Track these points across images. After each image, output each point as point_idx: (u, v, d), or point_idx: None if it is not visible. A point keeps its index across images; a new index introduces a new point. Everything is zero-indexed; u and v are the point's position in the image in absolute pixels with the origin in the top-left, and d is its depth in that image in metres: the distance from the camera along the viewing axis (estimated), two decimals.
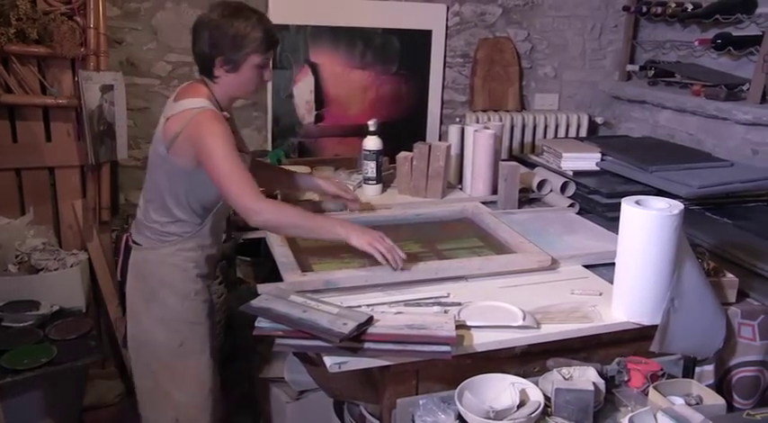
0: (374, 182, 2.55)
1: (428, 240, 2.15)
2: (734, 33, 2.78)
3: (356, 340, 1.43)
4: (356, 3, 3.09)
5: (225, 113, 1.84)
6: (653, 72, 3.23)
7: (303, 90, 3.09)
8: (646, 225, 1.56)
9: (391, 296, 1.72)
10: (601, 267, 1.94)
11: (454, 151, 2.64)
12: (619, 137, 3.32)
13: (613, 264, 1.69)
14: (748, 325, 1.78)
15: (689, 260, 1.62)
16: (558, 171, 2.67)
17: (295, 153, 3.13)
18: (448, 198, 2.54)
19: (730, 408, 1.67)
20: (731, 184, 2.38)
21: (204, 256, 1.93)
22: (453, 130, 2.70)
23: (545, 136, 3.37)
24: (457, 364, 1.48)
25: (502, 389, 1.39)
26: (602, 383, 1.41)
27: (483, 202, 2.46)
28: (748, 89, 2.69)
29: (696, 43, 2.92)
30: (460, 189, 2.66)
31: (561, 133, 3.38)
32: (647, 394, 1.41)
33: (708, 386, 1.57)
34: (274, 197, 2.29)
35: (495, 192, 2.51)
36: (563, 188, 2.58)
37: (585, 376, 1.42)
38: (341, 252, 1.96)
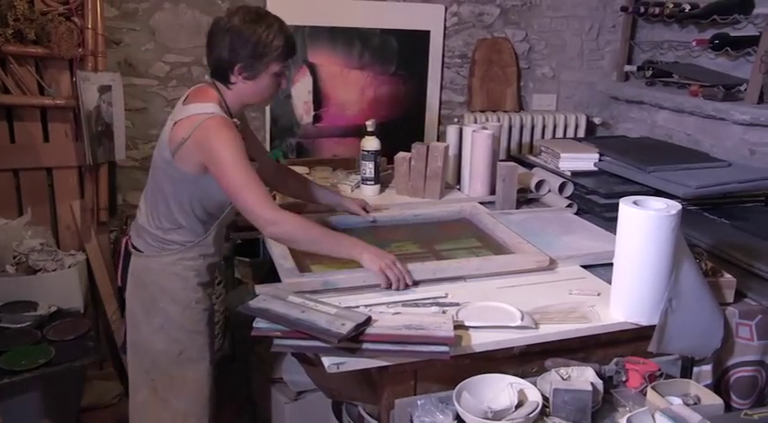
0: (372, 182, 2.55)
1: (426, 241, 2.15)
2: (731, 34, 2.79)
3: (354, 341, 1.42)
4: (354, 3, 3.09)
5: (235, 120, 1.80)
6: (651, 72, 3.23)
7: (301, 90, 3.09)
8: (644, 225, 1.56)
9: (389, 297, 1.71)
10: (599, 268, 1.94)
11: (452, 152, 2.64)
12: (617, 137, 3.32)
13: (611, 264, 1.69)
14: (746, 325, 1.78)
15: (687, 260, 1.62)
16: (556, 171, 2.67)
17: (293, 153, 3.13)
18: (446, 198, 2.54)
19: (728, 408, 1.67)
20: (729, 185, 2.39)
21: (206, 265, 1.92)
22: (451, 131, 2.70)
23: (543, 136, 3.37)
24: (455, 365, 1.48)
25: (500, 389, 1.39)
26: (600, 384, 1.41)
27: (481, 203, 2.46)
28: (746, 89, 2.70)
29: (694, 43, 2.92)
30: (458, 189, 2.66)
31: (559, 134, 3.38)
32: (645, 394, 1.41)
33: (706, 386, 1.57)
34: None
35: (493, 192, 2.51)
36: (561, 188, 2.58)
37: (583, 376, 1.42)
38: None
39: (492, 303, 1.66)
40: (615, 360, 1.49)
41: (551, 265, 1.92)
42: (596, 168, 2.68)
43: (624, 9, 3.34)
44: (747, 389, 1.81)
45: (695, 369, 1.73)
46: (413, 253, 2.04)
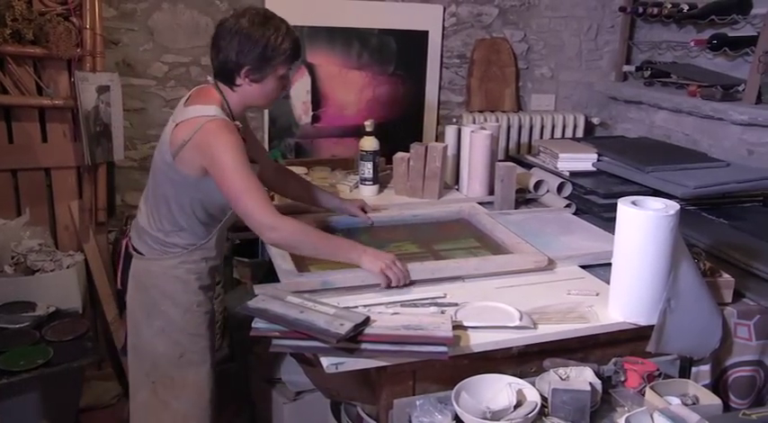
0: (371, 182, 2.55)
1: (425, 241, 2.15)
2: (729, 34, 2.79)
3: (353, 341, 1.42)
4: (353, 3, 3.09)
5: (237, 123, 1.79)
6: (649, 72, 3.24)
7: (300, 90, 3.09)
8: (642, 225, 1.56)
9: (388, 297, 1.72)
10: (597, 268, 1.94)
11: (451, 152, 2.64)
12: (615, 137, 3.32)
13: (610, 264, 1.69)
14: (744, 325, 1.78)
15: (685, 260, 1.62)
16: (555, 172, 2.67)
17: (292, 154, 3.12)
18: (444, 199, 2.55)
19: (726, 407, 1.68)
20: (727, 185, 2.39)
21: (208, 268, 1.92)
22: (450, 131, 2.70)
23: (541, 136, 3.37)
24: (454, 365, 1.48)
25: (499, 389, 1.39)
26: (598, 384, 1.41)
27: (480, 203, 2.46)
28: (744, 90, 2.70)
29: (692, 44, 2.92)
30: (457, 190, 2.66)
31: (558, 134, 3.38)
32: (643, 394, 1.41)
33: (704, 386, 1.58)
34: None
35: (491, 192, 2.51)
36: (559, 189, 2.58)
37: (582, 376, 1.42)
38: None
39: (490, 303, 1.66)
40: (614, 360, 1.49)
41: (550, 265, 1.92)
42: (595, 168, 2.68)
43: (622, 9, 3.34)
44: (746, 389, 1.81)
45: (694, 369, 1.73)
46: (411, 253, 2.04)
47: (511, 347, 1.56)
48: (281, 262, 1.85)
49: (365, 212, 2.24)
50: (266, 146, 3.08)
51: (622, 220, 1.60)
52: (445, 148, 2.53)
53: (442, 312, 1.61)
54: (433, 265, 1.88)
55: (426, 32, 3.23)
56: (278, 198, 2.33)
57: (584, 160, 2.69)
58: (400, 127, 3.22)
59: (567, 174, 2.63)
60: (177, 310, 1.87)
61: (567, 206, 2.50)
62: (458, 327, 1.54)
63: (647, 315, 1.61)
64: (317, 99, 3.13)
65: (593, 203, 2.43)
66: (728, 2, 2.77)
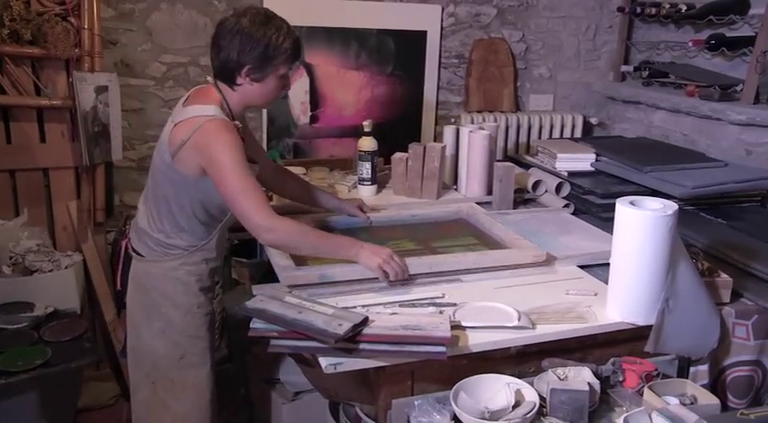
0: (369, 183, 2.55)
1: (423, 239, 2.15)
2: (727, 34, 2.79)
3: (351, 341, 1.42)
4: (351, 3, 3.09)
5: (236, 123, 1.79)
6: (647, 73, 3.24)
7: (298, 91, 3.09)
8: (640, 225, 1.56)
9: (387, 297, 1.72)
10: (596, 268, 1.95)
11: (449, 152, 2.65)
12: (613, 137, 3.33)
13: (608, 264, 1.70)
14: (742, 325, 1.79)
15: (683, 260, 1.62)
16: (553, 172, 2.68)
17: (290, 154, 3.12)
18: (443, 199, 2.55)
19: (725, 407, 1.67)
20: (725, 185, 2.39)
21: (208, 270, 1.91)
22: (448, 131, 2.70)
23: (540, 137, 3.37)
24: (452, 365, 1.48)
25: (497, 389, 1.39)
26: (597, 384, 1.41)
27: (478, 203, 2.46)
28: (742, 90, 2.70)
29: (690, 44, 2.93)
30: (455, 190, 2.66)
31: (556, 134, 3.39)
32: (641, 394, 1.42)
33: (702, 386, 1.58)
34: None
35: (490, 192, 2.52)
36: (558, 189, 2.58)
37: (580, 376, 1.42)
38: None
39: (489, 303, 1.66)
40: (612, 360, 1.50)
41: (548, 261, 1.92)
42: (593, 169, 2.68)
43: (621, 9, 3.34)
44: (744, 388, 1.81)
45: (692, 369, 1.74)
46: (409, 250, 2.04)
47: (509, 347, 1.56)
48: (279, 258, 1.84)
49: (363, 212, 2.25)
50: (265, 146, 3.08)
51: (621, 220, 1.61)
52: (443, 149, 2.53)
53: (441, 312, 1.61)
54: (431, 259, 1.88)
55: (425, 33, 3.23)
56: (277, 198, 2.33)
57: (583, 160, 2.69)
58: (398, 127, 3.22)
59: (566, 174, 2.63)
60: (177, 311, 1.86)
61: (566, 206, 2.51)
62: (456, 327, 1.54)
63: (645, 315, 1.61)
64: (315, 99, 3.13)
65: (592, 203, 2.44)
66: (726, 2, 2.78)
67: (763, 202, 2.53)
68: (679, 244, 1.62)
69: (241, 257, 2.63)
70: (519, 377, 1.43)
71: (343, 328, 1.41)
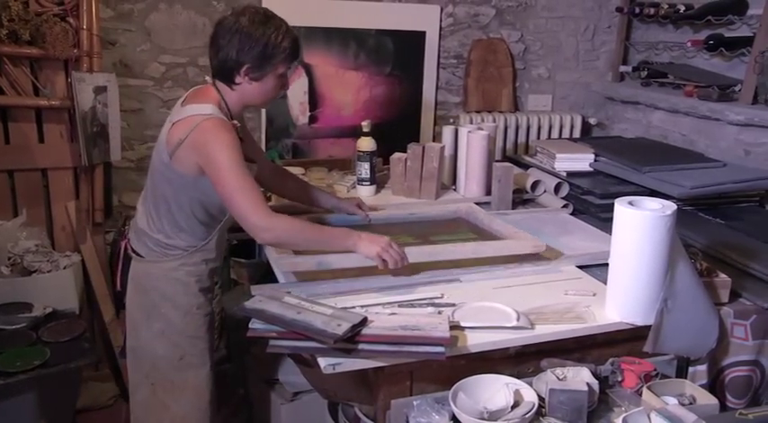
0: (368, 183, 2.55)
1: (421, 234, 2.14)
2: (726, 34, 2.80)
3: (350, 341, 1.42)
4: (350, 4, 3.09)
5: (234, 122, 1.79)
6: (646, 73, 3.24)
7: (297, 91, 3.09)
8: (639, 226, 1.56)
9: (385, 297, 1.72)
10: (594, 268, 1.95)
11: (448, 152, 2.65)
12: (612, 138, 3.33)
13: (607, 264, 1.70)
14: (741, 325, 1.79)
15: (682, 260, 1.62)
16: (552, 172, 2.68)
17: (289, 154, 3.12)
18: (442, 199, 2.55)
19: (723, 407, 1.68)
20: (724, 185, 2.39)
21: (208, 270, 1.91)
22: (447, 131, 2.71)
23: (538, 137, 3.37)
24: (451, 365, 1.48)
25: (496, 389, 1.39)
26: (595, 384, 1.41)
27: (477, 203, 2.46)
28: (740, 90, 2.71)
29: (688, 44, 2.93)
30: (454, 190, 2.67)
31: (555, 134, 3.39)
32: (640, 394, 1.42)
33: (701, 386, 1.58)
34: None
35: (488, 193, 2.52)
36: (557, 189, 2.58)
37: (579, 377, 1.42)
38: None
39: (487, 304, 1.66)
40: (611, 360, 1.50)
41: (549, 256, 1.92)
42: (592, 169, 2.69)
43: (619, 10, 3.34)
44: (742, 388, 1.81)
45: (690, 369, 1.74)
46: (408, 244, 2.03)
47: (508, 348, 1.56)
48: (274, 249, 1.85)
49: (362, 210, 2.25)
50: (263, 146, 3.08)
51: (619, 221, 1.61)
52: (442, 149, 2.53)
53: (440, 313, 1.61)
54: (430, 249, 1.86)
55: (423, 33, 3.23)
56: (275, 198, 2.33)
57: (582, 160, 2.70)
58: (397, 127, 3.22)
59: (565, 174, 2.63)
60: (177, 312, 1.86)
61: (565, 206, 2.51)
62: (455, 327, 1.54)
63: (643, 315, 1.61)
64: (314, 99, 3.13)
65: (591, 204, 2.44)
66: (725, 2, 2.78)
67: (762, 203, 2.53)
68: (678, 244, 1.62)
69: (240, 258, 2.63)
70: (518, 377, 1.43)
71: (342, 328, 1.41)
